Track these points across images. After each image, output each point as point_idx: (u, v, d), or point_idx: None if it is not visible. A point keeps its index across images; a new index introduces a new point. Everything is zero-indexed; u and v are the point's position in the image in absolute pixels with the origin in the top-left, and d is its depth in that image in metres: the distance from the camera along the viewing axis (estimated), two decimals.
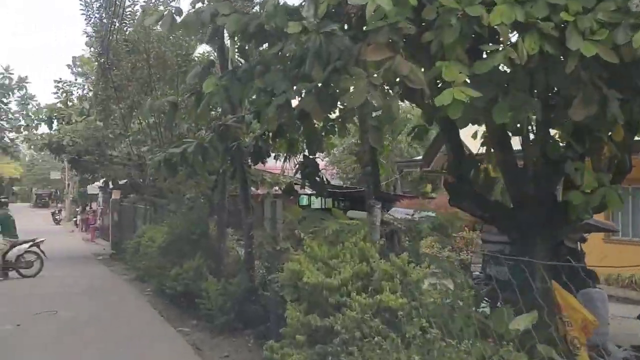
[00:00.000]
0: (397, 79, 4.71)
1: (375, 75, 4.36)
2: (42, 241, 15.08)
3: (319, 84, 5.07)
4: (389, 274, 4.69)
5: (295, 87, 5.44)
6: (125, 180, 19.25)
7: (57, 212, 43.87)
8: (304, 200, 15.23)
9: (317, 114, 5.72)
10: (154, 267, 11.20)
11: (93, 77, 14.56)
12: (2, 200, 15.52)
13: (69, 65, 21.41)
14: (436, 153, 8.39)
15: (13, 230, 14.72)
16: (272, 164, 9.96)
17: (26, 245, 14.61)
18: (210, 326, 8.56)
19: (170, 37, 12.91)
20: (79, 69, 19.31)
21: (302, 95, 5.50)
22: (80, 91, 19.01)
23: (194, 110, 6.93)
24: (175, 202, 13.03)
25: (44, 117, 19.08)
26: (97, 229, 28.47)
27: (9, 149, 32.33)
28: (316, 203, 15.35)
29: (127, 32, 13.85)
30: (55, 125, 19.57)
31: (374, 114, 5.51)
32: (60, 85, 14.14)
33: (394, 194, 25.73)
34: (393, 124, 8.65)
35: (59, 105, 19.35)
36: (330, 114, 6.63)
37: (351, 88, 4.52)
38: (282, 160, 9.04)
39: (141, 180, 16.91)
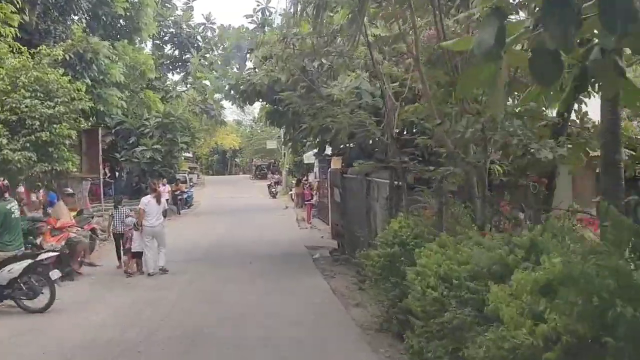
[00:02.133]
0: None
1: None
2: (50, 258, 9.05)
3: None
4: None
5: None
6: (346, 144, 12.28)
7: (272, 184, 39.97)
8: None
9: None
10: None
11: None
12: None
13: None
14: None
15: (9, 236, 8.66)
16: None
17: (24, 264, 8.51)
18: None
19: None
20: None
21: None
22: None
23: None
24: (478, 176, 5.41)
25: (229, 45, 12.94)
26: (314, 207, 23.09)
27: (213, 111, 28.37)
28: None
29: None
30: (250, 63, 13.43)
31: None
32: None
33: None
34: None
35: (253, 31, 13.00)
36: None
37: None
38: None
39: (379, 135, 9.56)
